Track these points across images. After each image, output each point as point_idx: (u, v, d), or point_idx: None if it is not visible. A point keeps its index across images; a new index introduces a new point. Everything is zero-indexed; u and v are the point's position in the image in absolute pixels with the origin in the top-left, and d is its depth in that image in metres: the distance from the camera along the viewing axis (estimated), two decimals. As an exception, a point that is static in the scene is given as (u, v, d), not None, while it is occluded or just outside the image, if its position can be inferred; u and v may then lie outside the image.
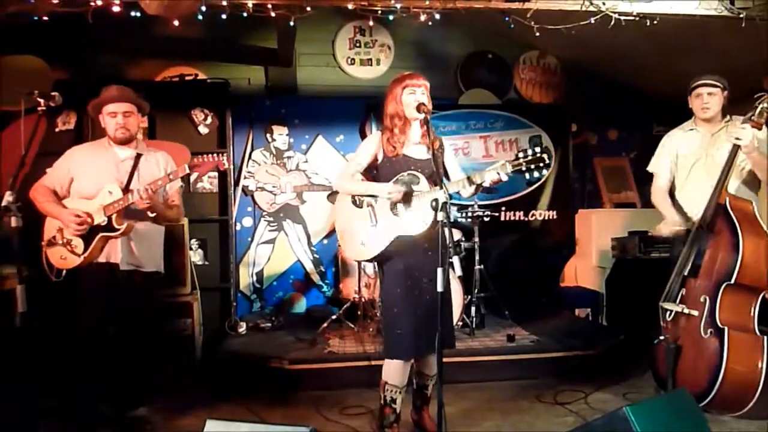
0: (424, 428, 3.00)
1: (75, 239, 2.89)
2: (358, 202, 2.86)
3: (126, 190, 2.91)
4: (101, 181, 2.94)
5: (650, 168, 3.51)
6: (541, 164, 2.52)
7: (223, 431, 1.86)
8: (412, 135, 2.85)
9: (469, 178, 2.69)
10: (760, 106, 2.94)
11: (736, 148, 2.98)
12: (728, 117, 3.25)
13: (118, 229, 2.88)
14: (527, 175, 2.58)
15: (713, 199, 3.02)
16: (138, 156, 3.03)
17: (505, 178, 2.59)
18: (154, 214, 2.95)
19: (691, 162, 3.27)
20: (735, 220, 2.95)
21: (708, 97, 3.18)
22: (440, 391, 2.34)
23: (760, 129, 2.96)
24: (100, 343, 2.93)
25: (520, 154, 2.55)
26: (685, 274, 3.06)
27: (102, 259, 2.94)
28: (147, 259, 3.06)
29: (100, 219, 2.88)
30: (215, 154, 3.00)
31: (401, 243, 2.74)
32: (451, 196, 2.50)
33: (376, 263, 2.81)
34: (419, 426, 3.05)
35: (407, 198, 2.71)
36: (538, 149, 2.53)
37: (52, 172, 3.03)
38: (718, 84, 3.17)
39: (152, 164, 3.09)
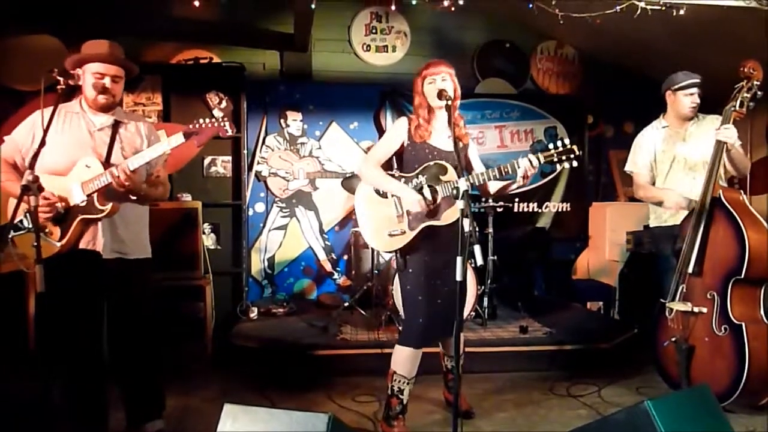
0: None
1: (49, 224, 2.45)
2: (381, 192, 2.85)
3: (107, 164, 2.49)
4: (74, 152, 2.48)
5: (628, 168, 3.53)
6: (572, 155, 2.56)
7: (242, 416, 1.84)
8: (437, 125, 2.83)
9: (500, 168, 2.65)
10: (740, 96, 2.94)
11: (722, 144, 2.96)
12: (697, 114, 3.29)
13: (102, 211, 2.46)
14: (558, 166, 2.61)
15: (706, 193, 3.00)
16: (117, 123, 2.61)
17: (537, 165, 2.61)
18: (135, 198, 2.55)
19: (669, 159, 3.31)
20: (734, 213, 2.92)
21: (696, 96, 3.23)
22: (458, 381, 2.33)
23: (742, 119, 2.96)
24: (93, 348, 2.56)
25: (551, 146, 2.58)
26: (690, 272, 3.02)
27: (82, 246, 2.50)
28: (134, 244, 2.64)
29: (78, 199, 2.45)
30: (218, 120, 2.62)
31: (427, 232, 2.74)
32: (473, 186, 2.47)
33: (397, 252, 2.79)
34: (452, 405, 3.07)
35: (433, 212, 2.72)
36: (567, 140, 2.56)
37: (12, 141, 2.54)
38: (700, 82, 3.23)
39: (133, 134, 2.66)
